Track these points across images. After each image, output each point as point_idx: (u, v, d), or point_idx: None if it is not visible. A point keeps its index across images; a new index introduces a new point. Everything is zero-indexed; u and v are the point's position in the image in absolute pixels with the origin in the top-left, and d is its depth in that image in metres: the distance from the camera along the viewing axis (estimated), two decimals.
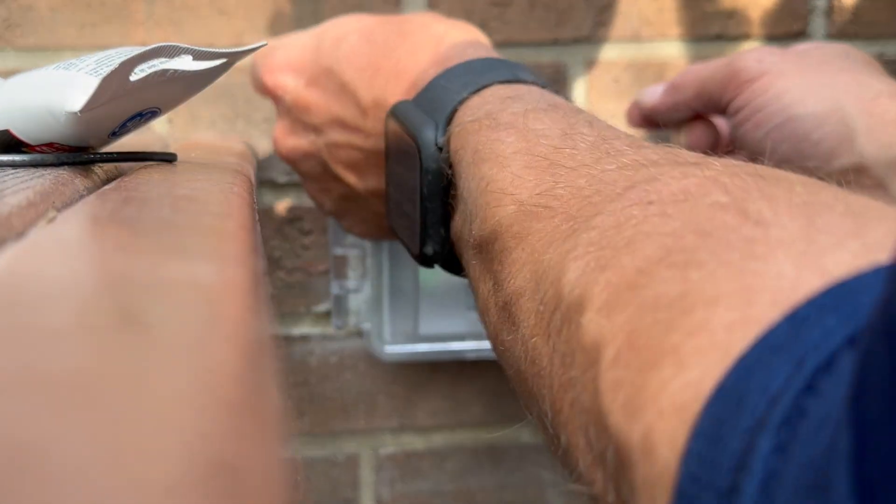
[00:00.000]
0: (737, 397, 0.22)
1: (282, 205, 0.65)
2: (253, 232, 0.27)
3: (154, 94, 0.38)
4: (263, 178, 0.64)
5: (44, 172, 0.33)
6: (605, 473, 0.26)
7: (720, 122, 0.56)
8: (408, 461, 0.69)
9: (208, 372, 0.14)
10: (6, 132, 0.38)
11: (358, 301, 0.63)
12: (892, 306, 0.18)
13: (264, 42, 0.40)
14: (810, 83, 0.50)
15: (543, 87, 0.44)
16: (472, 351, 0.63)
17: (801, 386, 0.21)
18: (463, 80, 0.43)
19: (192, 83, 0.39)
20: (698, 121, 0.56)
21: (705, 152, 0.32)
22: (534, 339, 0.31)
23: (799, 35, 0.68)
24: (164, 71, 0.36)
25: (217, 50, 0.38)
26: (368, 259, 0.63)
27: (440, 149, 0.41)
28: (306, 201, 0.64)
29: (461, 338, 0.63)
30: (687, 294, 0.24)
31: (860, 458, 0.19)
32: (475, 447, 0.69)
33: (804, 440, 0.21)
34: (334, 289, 0.63)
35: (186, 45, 0.36)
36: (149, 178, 0.36)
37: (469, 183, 0.39)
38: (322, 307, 0.66)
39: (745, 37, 0.68)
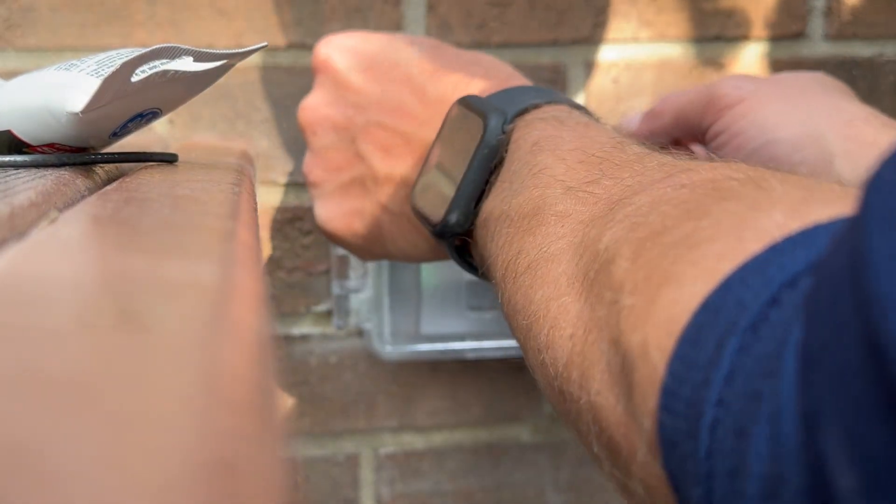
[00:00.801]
0: (715, 309, 0.26)
1: (282, 204, 0.65)
2: (253, 232, 0.27)
3: (155, 95, 0.38)
4: (264, 178, 0.64)
5: (45, 173, 0.33)
6: (619, 388, 0.30)
7: (698, 149, 0.57)
8: (408, 461, 0.69)
9: (208, 372, 0.14)
10: (7, 133, 0.38)
11: (359, 301, 0.63)
12: (852, 231, 0.22)
13: (264, 43, 0.40)
14: (788, 108, 0.52)
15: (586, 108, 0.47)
16: (472, 350, 0.63)
17: (766, 298, 0.25)
18: (537, 92, 0.47)
19: (193, 84, 0.39)
20: (676, 147, 0.57)
21: None
22: (563, 299, 0.35)
23: (798, 36, 0.68)
24: (165, 72, 0.36)
25: (217, 51, 0.38)
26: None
27: (504, 131, 0.44)
28: (307, 201, 0.65)
29: (461, 338, 0.63)
30: (694, 234, 0.29)
31: (806, 344, 0.23)
32: (475, 447, 0.69)
33: (764, 339, 0.25)
34: (335, 288, 0.63)
35: (187, 47, 0.36)
36: (150, 179, 0.36)
37: (522, 168, 0.42)
38: (322, 307, 0.66)
39: (743, 38, 0.68)
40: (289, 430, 0.67)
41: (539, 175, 0.40)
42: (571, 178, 0.39)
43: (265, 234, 0.65)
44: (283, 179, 0.65)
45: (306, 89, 0.63)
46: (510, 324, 0.40)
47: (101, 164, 0.38)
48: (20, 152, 0.38)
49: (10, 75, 0.41)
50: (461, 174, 0.45)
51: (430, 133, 0.50)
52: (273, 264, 0.65)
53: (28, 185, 0.29)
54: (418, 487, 0.69)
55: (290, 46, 0.63)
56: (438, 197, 0.47)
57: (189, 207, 0.30)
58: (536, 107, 0.45)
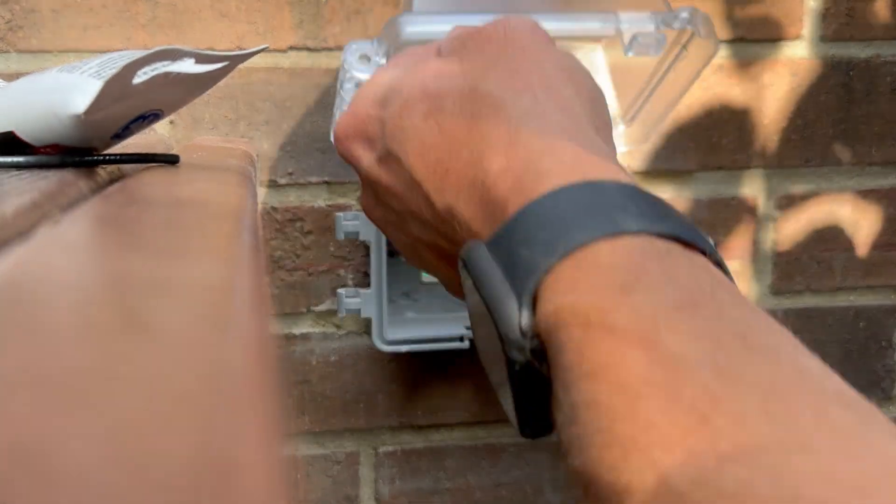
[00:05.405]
0: None
1: (282, 205, 0.65)
2: (254, 232, 0.27)
3: (157, 97, 0.38)
4: (265, 179, 0.64)
5: (48, 174, 0.33)
6: None
7: None
8: (407, 459, 0.69)
9: (210, 372, 0.14)
10: (10, 134, 0.38)
11: (359, 299, 0.63)
12: None
13: (265, 45, 0.40)
14: None
15: (672, 233, 0.30)
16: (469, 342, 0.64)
17: None
18: (550, 230, 0.31)
19: (195, 86, 0.39)
20: None
21: None
22: None
23: (795, 38, 0.68)
24: (167, 74, 0.36)
25: (219, 53, 0.38)
26: (369, 257, 0.63)
27: (525, 334, 0.30)
28: (307, 201, 0.65)
29: (460, 336, 0.63)
30: None
31: None
32: (473, 445, 0.70)
33: None
34: (337, 285, 0.64)
35: (189, 49, 0.36)
36: (152, 180, 0.36)
37: (577, 397, 0.27)
38: (322, 307, 0.66)
39: (740, 40, 0.68)
40: (290, 428, 0.67)
41: (608, 432, 0.26)
42: (659, 449, 0.24)
43: (266, 234, 0.65)
44: (283, 180, 0.65)
45: (307, 91, 0.64)
46: None
47: (104, 166, 0.38)
48: (23, 153, 0.38)
49: (12, 77, 0.41)
50: (509, 390, 0.32)
51: (457, 249, 0.37)
52: (274, 264, 0.65)
53: (31, 186, 0.29)
54: (417, 485, 0.69)
55: (291, 48, 0.63)
56: (503, 397, 0.34)
57: (191, 208, 0.30)
58: (552, 270, 0.30)
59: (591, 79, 0.40)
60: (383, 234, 0.47)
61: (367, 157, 0.42)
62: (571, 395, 0.28)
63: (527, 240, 0.31)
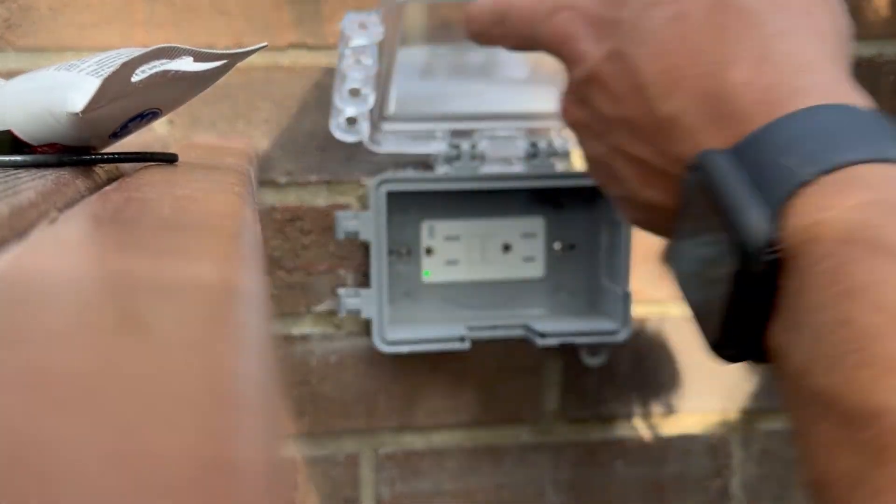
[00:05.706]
0: None
1: (282, 205, 0.65)
2: (253, 232, 0.27)
3: (155, 96, 0.38)
4: (264, 178, 0.64)
5: (45, 173, 0.33)
6: None
7: None
8: (408, 461, 0.69)
9: (209, 372, 0.14)
10: (8, 133, 0.38)
11: (359, 299, 0.63)
12: None
13: (264, 43, 0.40)
14: None
15: None
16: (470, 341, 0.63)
17: None
18: (814, 142, 0.31)
19: (193, 84, 0.39)
20: None
21: None
22: None
23: None
24: (165, 72, 0.36)
25: (217, 51, 0.38)
26: (369, 257, 0.63)
27: (770, 243, 0.30)
28: (307, 201, 0.65)
29: (461, 336, 0.63)
30: None
31: None
32: (475, 447, 0.69)
33: None
34: (336, 285, 0.63)
35: (187, 47, 0.36)
36: (150, 179, 0.36)
37: (828, 316, 0.28)
38: (322, 307, 0.66)
39: None
40: (289, 429, 0.67)
41: (861, 352, 0.26)
42: None
43: (265, 233, 0.65)
44: (283, 179, 0.65)
45: (306, 89, 0.63)
46: None
47: (102, 164, 0.38)
48: (20, 152, 0.38)
49: (10, 75, 0.41)
50: (722, 301, 0.32)
51: (668, 164, 0.38)
52: (273, 264, 0.65)
53: (28, 185, 0.29)
54: (418, 487, 0.69)
55: (291, 46, 0.63)
56: (703, 309, 0.35)
57: (189, 207, 0.30)
58: (811, 183, 0.30)
59: (845, 14, 0.40)
60: (580, 138, 0.45)
61: (593, 56, 0.41)
62: (822, 314, 0.28)
63: (787, 149, 0.31)
